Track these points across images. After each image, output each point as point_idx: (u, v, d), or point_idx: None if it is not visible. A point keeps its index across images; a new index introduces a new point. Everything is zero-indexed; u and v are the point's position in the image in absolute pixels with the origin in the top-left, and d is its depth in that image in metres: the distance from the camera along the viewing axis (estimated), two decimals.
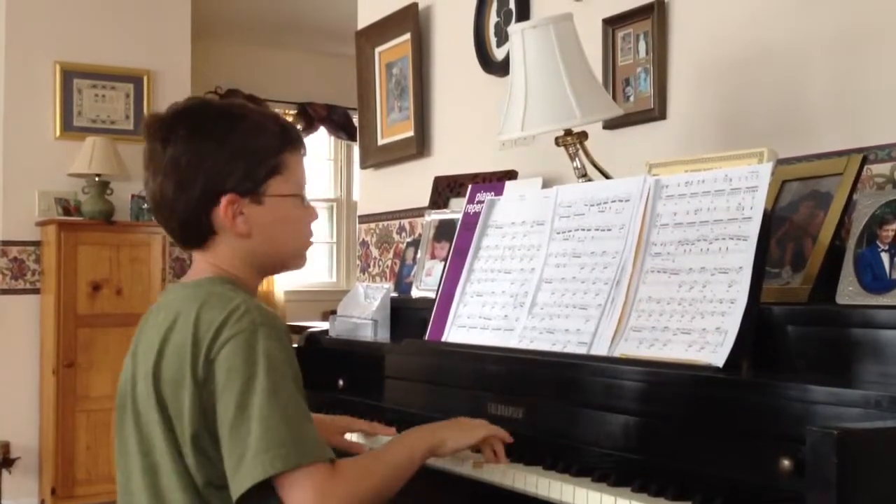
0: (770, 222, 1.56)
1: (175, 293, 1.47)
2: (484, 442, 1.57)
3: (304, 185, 1.52)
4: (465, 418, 1.61)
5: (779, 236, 1.71)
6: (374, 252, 3.68)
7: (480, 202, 2.10)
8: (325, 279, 7.74)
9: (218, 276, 1.46)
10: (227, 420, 1.31)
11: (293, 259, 1.55)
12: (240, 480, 1.30)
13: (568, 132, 2.10)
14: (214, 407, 1.33)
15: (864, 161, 1.69)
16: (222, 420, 1.32)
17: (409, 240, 3.16)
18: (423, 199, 3.00)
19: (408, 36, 3.39)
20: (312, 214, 1.55)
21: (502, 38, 2.95)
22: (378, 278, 3.62)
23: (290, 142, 1.50)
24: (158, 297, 1.51)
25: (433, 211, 2.63)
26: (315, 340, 2.41)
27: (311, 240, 1.55)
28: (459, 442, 1.55)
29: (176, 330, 1.38)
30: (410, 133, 3.40)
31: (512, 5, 2.89)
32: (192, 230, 1.46)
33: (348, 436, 1.86)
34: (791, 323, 1.52)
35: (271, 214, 1.47)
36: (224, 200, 1.43)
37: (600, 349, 1.65)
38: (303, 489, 1.30)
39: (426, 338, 2.05)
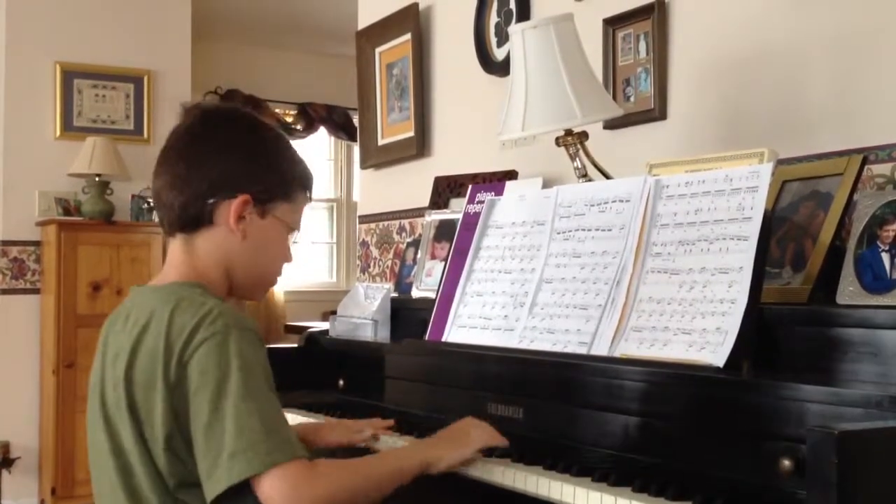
0: (770, 222, 1.55)
1: (143, 296, 1.47)
2: (483, 446, 1.58)
3: (298, 228, 1.58)
4: (463, 425, 1.61)
5: (779, 236, 1.71)
6: (375, 252, 3.68)
7: (481, 202, 2.10)
8: (325, 279, 7.74)
9: (187, 281, 1.47)
10: (200, 421, 1.32)
11: (260, 285, 1.58)
12: (216, 482, 1.30)
13: (568, 132, 2.10)
14: (187, 409, 1.33)
15: (865, 161, 1.69)
16: (196, 421, 1.32)
17: (409, 240, 3.16)
18: (424, 200, 3.00)
19: (408, 36, 3.39)
20: (289, 256, 1.59)
21: (503, 38, 2.95)
22: (378, 278, 3.62)
23: (308, 185, 1.59)
24: (125, 300, 1.52)
25: (433, 211, 2.63)
26: (315, 340, 2.41)
27: (277, 279, 1.61)
28: (454, 460, 1.54)
29: (149, 334, 1.38)
30: (411, 133, 3.40)
31: (512, 5, 2.89)
32: (192, 213, 1.48)
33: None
34: (791, 323, 1.52)
35: (266, 232, 1.52)
36: (241, 198, 1.47)
37: (601, 349, 1.65)
38: (279, 487, 1.29)
39: (426, 338, 2.05)
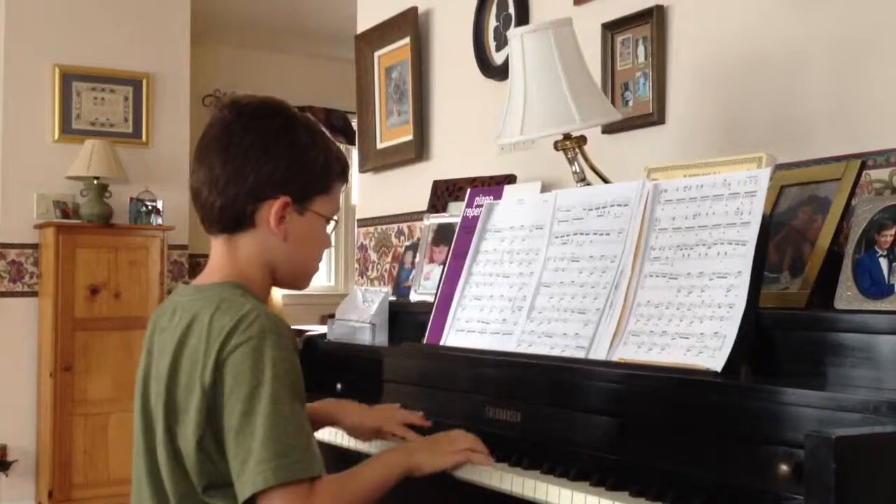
0: (768, 227, 1.56)
1: (189, 295, 1.49)
2: (461, 463, 1.59)
3: (336, 215, 1.58)
4: (444, 436, 1.63)
5: (777, 241, 1.71)
6: (373, 256, 3.68)
7: (479, 206, 2.10)
8: (324, 283, 7.74)
9: (230, 282, 1.48)
10: (232, 425, 1.34)
11: (303, 277, 1.59)
12: (242, 486, 1.33)
13: (567, 136, 2.10)
14: (220, 410, 1.35)
15: (863, 166, 1.69)
16: (228, 424, 1.35)
17: (407, 243, 3.16)
18: (422, 203, 3.00)
19: (407, 40, 3.40)
20: (328, 242, 1.60)
21: (501, 42, 2.95)
22: (376, 282, 3.62)
23: (345, 173, 1.59)
24: (171, 296, 1.54)
25: (432, 215, 2.63)
26: (313, 344, 2.41)
27: (319, 265, 1.61)
28: (435, 466, 1.57)
29: (191, 335, 1.41)
30: (409, 137, 3.40)
31: (511, 9, 2.89)
32: (233, 215, 1.48)
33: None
34: (789, 328, 1.52)
35: (306, 228, 1.52)
36: (281, 200, 1.48)
37: (599, 353, 1.65)
38: (283, 501, 1.32)
39: (424, 341, 2.05)
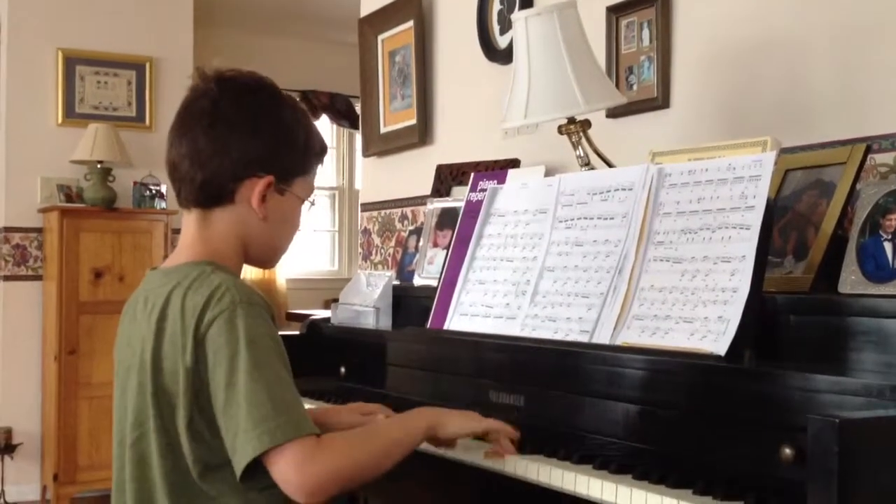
0: (773, 211, 1.55)
1: (158, 281, 1.46)
2: (490, 433, 1.55)
3: (311, 196, 1.56)
4: (474, 412, 1.59)
5: (781, 225, 1.71)
6: (377, 240, 3.68)
7: (483, 190, 2.10)
8: (327, 267, 7.75)
9: (197, 261, 1.44)
10: (219, 400, 1.33)
11: (274, 257, 1.57)
12: (237, 460, 1.31)
13: (571, 120, 2.10)
14: (207, 389, 1.34)
15: (868, 150, 1.69)
16: (216, 400, 1.33)
17: (411, 228, 3.16)
18: (426, 188, 3.00)
19: (411, 23, 3.38)
20: (300, 225, 1.58)
21: (505, 25, 2.94)
22: (380, 266, 3.62)
23: (322, 154, 1.57)
24: (142, 285, 1.50)
25: (435, 199, 2.63)
26: (317, 328, 2.42)
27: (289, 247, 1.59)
28: (462, 428, 1.53)
29: (167, 320, 1.38)
30: (413, 121, 3.40)
31: None
32: (214, 190, 1.45)
33: None
34: (793, 312, 1.52)
35: (285, 208, 1.50)
36: (265, 180, 1.45)
37: (602, 337, 1.65)
38: (285, 463, 1.29)
39: (428, 325, 2.05)
